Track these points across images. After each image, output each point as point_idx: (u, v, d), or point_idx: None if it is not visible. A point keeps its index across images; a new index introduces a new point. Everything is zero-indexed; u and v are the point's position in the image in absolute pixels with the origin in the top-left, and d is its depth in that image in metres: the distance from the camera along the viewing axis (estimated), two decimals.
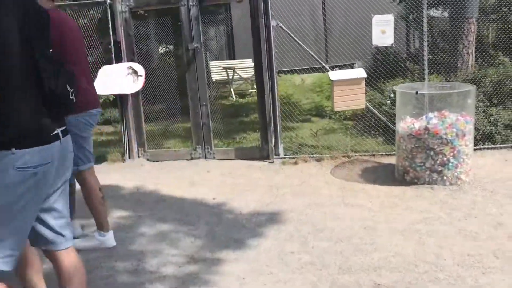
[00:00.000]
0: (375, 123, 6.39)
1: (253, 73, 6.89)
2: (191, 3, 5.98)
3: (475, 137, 5.21)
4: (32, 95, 2.16)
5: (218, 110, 7.71)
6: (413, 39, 9.14)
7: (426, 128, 4.75)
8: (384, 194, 4.71)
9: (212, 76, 10.96)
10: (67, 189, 2.48)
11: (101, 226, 3.83)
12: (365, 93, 5.88)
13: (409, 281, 3.13)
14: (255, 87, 6.88)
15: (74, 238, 3.70)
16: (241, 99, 10.47)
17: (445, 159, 4.74)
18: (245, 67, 10.54)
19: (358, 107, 5.89)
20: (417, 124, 4.85)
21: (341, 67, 10.22)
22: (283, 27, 5.86)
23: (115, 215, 4.53)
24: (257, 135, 6.44)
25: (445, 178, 4.78)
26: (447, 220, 4.04)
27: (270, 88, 5.89)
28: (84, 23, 7.03)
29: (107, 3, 6.13)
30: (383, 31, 5.66)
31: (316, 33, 11.08)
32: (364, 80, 5.69)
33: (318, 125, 7.54)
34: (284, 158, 6.01)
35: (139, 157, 6.41)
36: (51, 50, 2.33)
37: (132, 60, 6.24)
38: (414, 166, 4.87)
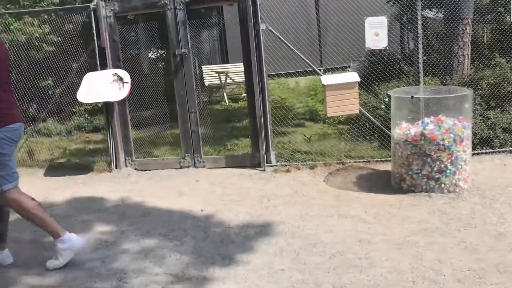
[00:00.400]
0: (370, 128, 6.20)
1: None
2: (177, 7, 5.78)
3: (472, 142, 5.03)
4: None
5: (209, 116, 7.52)
6: (407, 41, 8.96)
7: (422, 134, 4.56)
8: (380, 203, 4.52)
9: (205, 80, 10.80)
10: None
11: (55, 234, 3.56)
12: (359, 97, 5.70)
13: None
14: None
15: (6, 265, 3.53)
16: (234, 104, 10.30)
17: (442, 165, 4.55)
18: (237, 71, 10.34)
19: (352, 112, 5.70)
20: (413, 130, 4.67)
21: (336, 69, 10.08)
22: (273, 30, 5.67)
23: (97, 230, 4.31)
24: (249, 141, 6.25)
25: (443, 185, 4.59)
26: (445, 231, 3.85)
27: (260, 94, 5.70)
28: (70, 29, 6.84)
29: (91, 7, 5.92)
30: (376, 33, 5.47)
31: (310, 35, 10.93)
32: (357, 84, 5.50)
33: (312, 130, 7.34)
34: (276, 165, 5.81)
35: (126, 166, 6.19)
36: None
37: (118, 67, 6.03)
38: (410, 173, 4.68)
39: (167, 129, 7.11)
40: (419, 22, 5.53)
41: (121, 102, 6.05)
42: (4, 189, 3.40)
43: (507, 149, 5.70)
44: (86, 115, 8.63)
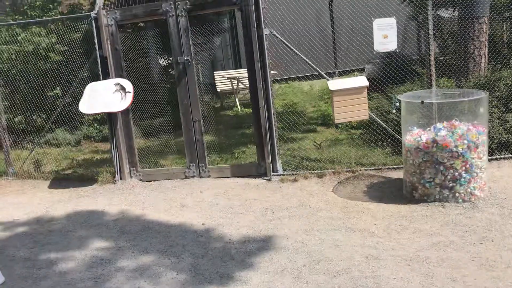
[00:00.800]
0: (382, 133, 5.94)
1: None
2: (179, 14, 5.63)
3: (490, 146, 4.74)
4: None
5: (219, 123, 7.35)
6: (425, 42, 8.65)
7: (434, 141, 4.30)
8: (390, 214, 4.27)
9: (217, 86, 10.67)
10: None
11: None
12: (371, 100, 5.45)
13: None
14: None
15: None
16: (245, 109, 10.12)
17: (456, 173, 4.28)
18: None
19: (361, 118, 5.46)
20: (424, 136, 4.40)
21: (352, 72, 9.85)
22: (277, 35, 5.48)
23: (94, 247, 4.16)
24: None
25: (457, 194, 4.31)
26: (459, 245, 3.59)
27: (265, 100, 5.50)
28: (74, 38, 6.77)
29: (92, 16, 5.81)
30: (385, 36, 5.22)
31: (324, 38, 10.72)
32: (366, 89, 5.26)
33: (323, 135, 7.12)
34: (283, 174, 5.59)
35: (131, 177, 6.05)
36: None
37: (121, 76, 5.90)
38: (423, 182, 4.42)
39: (172, 138, 6.95)
40: (430, 22, 5.26)
41: (125, 112, 5.92)
42: None
43: None
44: (96, 124, 8.56)
